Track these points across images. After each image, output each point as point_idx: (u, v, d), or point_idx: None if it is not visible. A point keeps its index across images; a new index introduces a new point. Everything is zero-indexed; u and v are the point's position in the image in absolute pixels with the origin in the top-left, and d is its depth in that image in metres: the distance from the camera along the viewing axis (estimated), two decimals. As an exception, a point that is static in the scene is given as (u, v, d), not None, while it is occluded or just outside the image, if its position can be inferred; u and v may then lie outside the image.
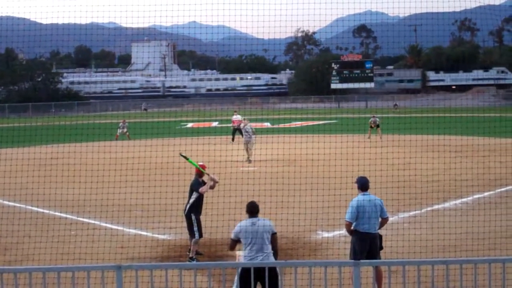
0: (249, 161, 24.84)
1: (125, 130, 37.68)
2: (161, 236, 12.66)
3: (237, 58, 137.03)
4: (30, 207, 15.69)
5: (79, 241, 12.12)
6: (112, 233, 13.05)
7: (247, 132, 26.07)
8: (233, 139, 33.97)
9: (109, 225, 13.80)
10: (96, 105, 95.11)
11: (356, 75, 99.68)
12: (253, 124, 28.39)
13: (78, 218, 14.55)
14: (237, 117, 35.83)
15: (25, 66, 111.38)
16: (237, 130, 34.34)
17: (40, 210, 15.46)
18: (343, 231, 9.23)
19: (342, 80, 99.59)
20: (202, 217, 11.27)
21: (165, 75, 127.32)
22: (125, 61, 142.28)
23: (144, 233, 13.10)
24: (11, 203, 16.24)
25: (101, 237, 12.52)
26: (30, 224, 14.01)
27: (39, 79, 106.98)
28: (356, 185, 9.22)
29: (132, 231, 13.30)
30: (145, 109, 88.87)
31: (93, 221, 14.20)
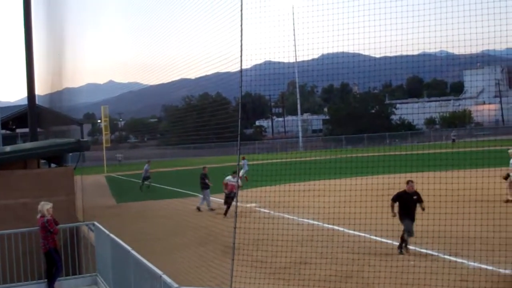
0: None
1: None
2: (502, 271, 11.98)
3: None
4: (369, 236, 16.34)
5: (418, 272, 12.14)
6: (450, 265, 12.79)
7: None
8: None
9: (447, 257, 13.59)
10: (429, 135, 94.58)
11: None
12: None
13: (417, 249, 14.69)
14: None
15: (358, 99, 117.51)
16: None
17: (379, 239, 15.98)
18: None
19: None
20: None
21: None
22: (456, 89, 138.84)
23: (485, 266, 12.55)
24: (350, 231, 17.11)
25: (439, 269, 12.34)
26: (370, 253, 14.62)
27: (373, 111, 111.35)
28: None
29: (472, 264, 12.88)
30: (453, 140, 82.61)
31: (431, 252, 14.20)
